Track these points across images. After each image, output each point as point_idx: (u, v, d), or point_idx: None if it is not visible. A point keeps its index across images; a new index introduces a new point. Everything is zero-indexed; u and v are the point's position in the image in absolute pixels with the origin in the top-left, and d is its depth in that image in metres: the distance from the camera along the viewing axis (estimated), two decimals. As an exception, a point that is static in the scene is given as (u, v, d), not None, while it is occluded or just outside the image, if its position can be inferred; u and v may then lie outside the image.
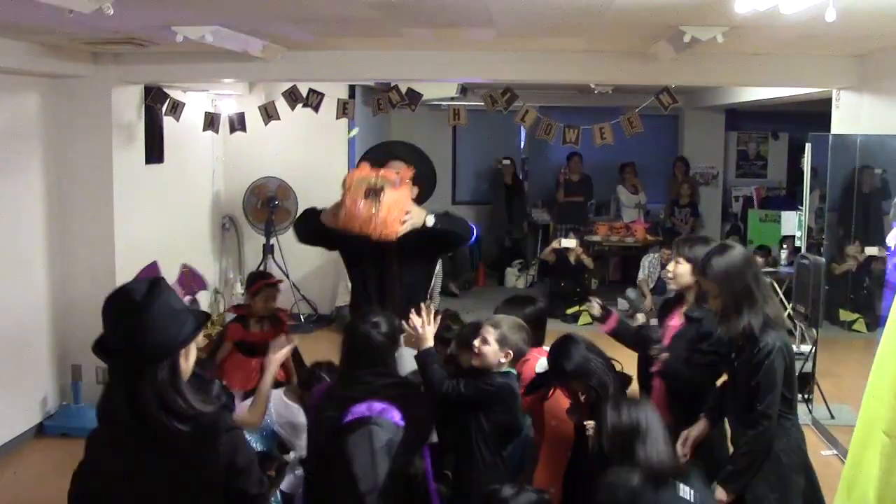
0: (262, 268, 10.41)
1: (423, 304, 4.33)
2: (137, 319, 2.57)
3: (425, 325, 4.16)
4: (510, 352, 4.11)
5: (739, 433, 4.01)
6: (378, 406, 3.63)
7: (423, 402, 3.93)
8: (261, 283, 6.48)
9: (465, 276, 13.16)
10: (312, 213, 4.84)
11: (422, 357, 4.13)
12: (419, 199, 4.79)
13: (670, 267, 4.69)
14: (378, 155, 4.96)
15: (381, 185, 4.45)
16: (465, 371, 4.24)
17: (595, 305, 4.92)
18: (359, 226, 4.46)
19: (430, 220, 4.64)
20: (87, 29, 5.65)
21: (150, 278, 2.72)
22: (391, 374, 4.01)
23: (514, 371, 4.19)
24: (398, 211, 4.48)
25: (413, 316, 4.17)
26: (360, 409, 3.59)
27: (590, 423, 3.95)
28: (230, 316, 7.57)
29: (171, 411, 2.58)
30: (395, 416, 3.61)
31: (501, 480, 3.84)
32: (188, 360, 2.70)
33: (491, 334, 4.11)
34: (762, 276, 4.11)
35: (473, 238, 4.95)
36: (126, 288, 2.65)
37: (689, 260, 4.50)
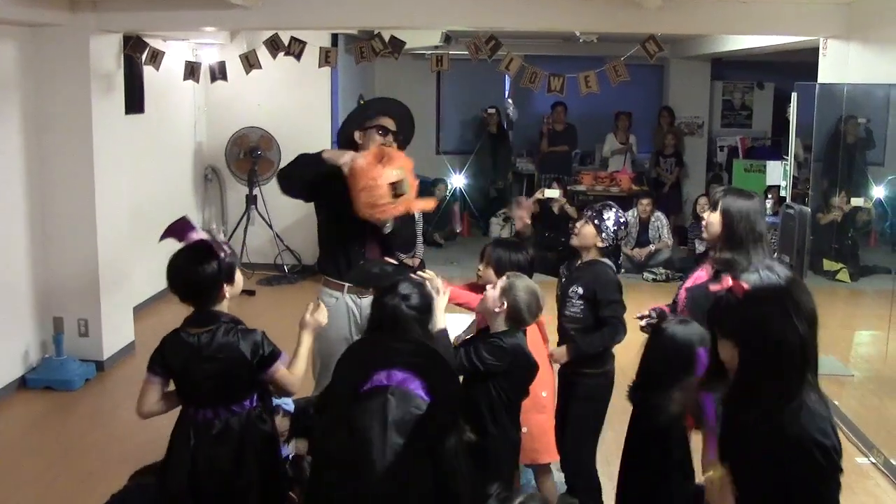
0: (245, 218, 10.36)
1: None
2: None
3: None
4: (505, 304, 3.90)
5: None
6: (399, 375, 3.15)
7: (451, 374, 3.36)
8: None
9: (449, 225, 13.13)
10: (315, 159, 4.55)
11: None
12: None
13: (706, 216, 4.31)
14: (368, 112, 4.91)
15: (404, 188, 4.43)
16: (468, 339, 4.07)
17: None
18: (377, 214, 4.44)
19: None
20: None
21: None
22: (415, 341, 3.44)
23: (520, 333, 3.97)
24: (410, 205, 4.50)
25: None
26: (379, 378, 3.13)
27: None
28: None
29: None
30: (416, 386, 3.24)
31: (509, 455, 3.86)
32: None
33: (501, 281, 3.97)
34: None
35: None
36: None
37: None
